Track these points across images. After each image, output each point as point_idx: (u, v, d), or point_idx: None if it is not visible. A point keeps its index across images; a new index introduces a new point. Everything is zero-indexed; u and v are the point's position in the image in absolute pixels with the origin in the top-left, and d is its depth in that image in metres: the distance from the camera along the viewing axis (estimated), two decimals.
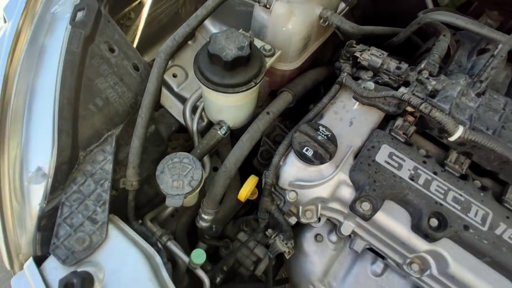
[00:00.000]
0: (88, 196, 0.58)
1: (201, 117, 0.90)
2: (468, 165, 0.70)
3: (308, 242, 0.86)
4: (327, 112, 0.78)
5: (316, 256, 0.85)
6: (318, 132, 0.69)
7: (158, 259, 0.59)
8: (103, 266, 0.54)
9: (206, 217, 0.75)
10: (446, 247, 0.67)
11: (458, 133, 0.56)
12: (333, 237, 0.85)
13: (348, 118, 0.76)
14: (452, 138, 0.58)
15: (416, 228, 0.67)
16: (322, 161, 0.68)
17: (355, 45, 0.79)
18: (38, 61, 0.55)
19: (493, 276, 0.65)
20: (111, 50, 0.61)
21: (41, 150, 0.56)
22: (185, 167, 0.64)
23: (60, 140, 0.55)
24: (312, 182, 0.70)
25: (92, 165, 0.60)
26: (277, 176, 0.73)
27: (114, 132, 0.63)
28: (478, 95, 0.61)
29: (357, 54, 0.78)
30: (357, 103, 0.77)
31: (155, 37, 0.84)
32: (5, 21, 0.54)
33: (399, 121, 0.73)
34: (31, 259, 0.54)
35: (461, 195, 0.67)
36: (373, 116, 0.76)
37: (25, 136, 0.55)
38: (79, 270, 0.52)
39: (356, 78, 0.81)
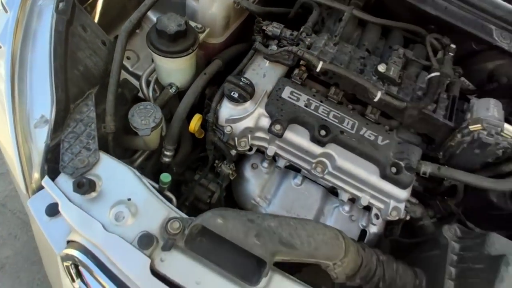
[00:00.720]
0: (81, 134, 0.82)
1: (154, 89, 1.16)
2: (342, 95, 1.06)
3: (247, 170, 1.17)
4: (247, 70, 1.09)
5: (253, 179, 1.16)
6: (241, 81, 0.99)
7: (138, 173, 0.84)
8: (100, 176, 0.78)
9: (167, 153, 1.01)
10: (332, 148, 1.01)
11: (319, 65, 0.91)
12: (265, 164, 1.16)
13: (262, 72, 1.08)
14: (317, 69, 0.92)
15: (312, 138, 1.00)
16: (245, 100, 0.98)
17: (262, 22, 1.11)
18: (33, 40, 0.77)
19: (361, 161, 1.00)
20: (85, 30, 0.84)
21: (43, 102, 0.78)
22: (148, 111, 0.90)
23: (57, 94, 0.78)
24: (240, 116, 1.00)
25: (80, 114, 0.84)
26: (216, 117, 1.03)
27: (93, 91, 0.87)
28: (335, 45, 0.97)
29: (264, 27, 1.10)
30: (268, 61, 1.10)
31: (108, 25, 1.09)
32: (6, 11, 0.75)
33: (296, 71, 1.07)
34: (46, 177, 0.77)
35: (338, 113, 1.02)
36: (279, 69, 1.09)
37: (29, 93, 0.78)
38: None
39: (267, 46, 1.13)
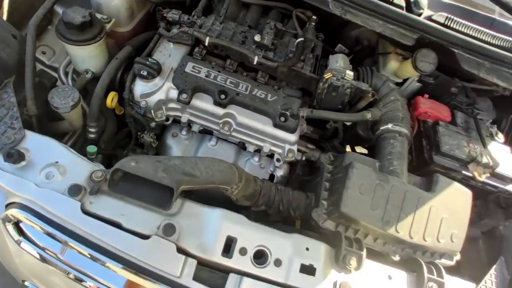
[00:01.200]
0: (4, 117, 0.94)
1: (73, 79, 1.29)
2: (236, 65, 1.29)
3: (168, 139, 1.35)
4: (155, 52, 1.27)
5: (175, 146, 1.35)
6: (147, 61, 1.17)
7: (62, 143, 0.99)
8: (28, 148, 0.92)
9: (91, 129, 1.17)
10: (232, 108, 1.23)
11: (207, 40, 1.13)
12: (184, 132, 1.36)
13: (168, 53, 1.27)
14: (206, 43, 1.14)
15: (215, 102, 1.22)
16: (153, 76, 1.17)
17: (162, 10, 1.29)
18: None
19: (256, 116, 1.24)
20: None
21: None
22: (66, 92, 1.05)
23: None
24: (152, 91, 1.19)
25: (1, 100, 0.96)
26: (132, 94, 1.20)
27: (10, 80, 1.00)
28: (221, 23, 1.19)
29: (165, 15, 1.29)
30: (172, 43, 1.29)
31: (18, 22, 1.19)
32: None
33: (196, 49, 1.28)
34: None
35: (233, 79, 1.25)
36: (182, 49, 1.28)
37: None
38: None
39: (170, 31, 1.32)
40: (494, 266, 1.14)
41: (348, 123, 1.42)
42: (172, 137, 1.36)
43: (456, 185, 1.11)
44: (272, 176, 1.38)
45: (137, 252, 0.83)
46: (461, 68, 1.19)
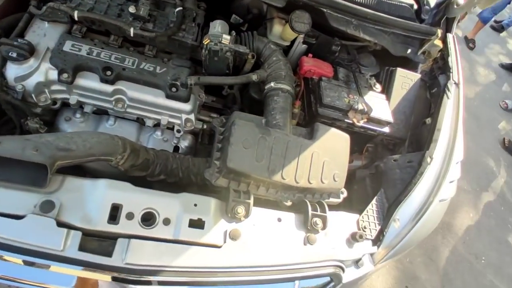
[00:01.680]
0: None
1: None
2: (121, 40, 1.27)
3: (62, 124, 1.30)
4: (28, 33, 1.20)
5: (70, 130, 1.31)
6: (16, 41, 1.10)
7: None
8: None
9: None
10: (121, 84, 1.22)
11: (75, 14, 1.10)
12: (78, 115, 1.31)
13: (42, 32, 1.20)
14: (75, 17, 1.11)
15: (101, 79, 1.20)
16: (25, 57, 1.11)
17: None
18: None
19: (147, 89, 1.25)
20: None
21: None
22: None
23: None
24: (27, 73, 1.13)
25: None
26: (5, 79, 1.13)
27: None
28: None
29: None
30: (47, 22, 1.22)
31: None
32: None
33: (75, 26, 1.23)
34: None
35: (118, 55, 1.23)
36: (60, 27, 1.22)
37: None
38: None
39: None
40: (376, 197, 1.30)
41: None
42: (65, 121, 1.31)
43: (334, 131, 1.24)
44: (177, 148, 1.41)
45: (12, 233, 0.81)
46: (331, 26, 1.30)
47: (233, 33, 1.31)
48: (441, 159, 1.32)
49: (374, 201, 1.29)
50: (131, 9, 1.14)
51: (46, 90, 1.20)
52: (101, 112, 1.33)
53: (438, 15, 1.55)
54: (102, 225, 0.88)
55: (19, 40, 1.11)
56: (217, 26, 1.20)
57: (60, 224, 0.85)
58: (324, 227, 1.11)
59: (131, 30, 1.13)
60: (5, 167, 0.86)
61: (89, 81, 1.20)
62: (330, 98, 1.35)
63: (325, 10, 1.28)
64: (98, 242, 0.88)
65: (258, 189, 1.13)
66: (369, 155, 1.70)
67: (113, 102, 1.26)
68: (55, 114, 1.31)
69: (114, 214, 0.91)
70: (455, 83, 1.48)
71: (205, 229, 0.96)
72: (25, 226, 0.82)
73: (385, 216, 1.26)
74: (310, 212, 1.10)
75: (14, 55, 1.09)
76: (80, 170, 1.17)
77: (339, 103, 1.36)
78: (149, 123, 1.34)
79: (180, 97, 1.26)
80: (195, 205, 0.99)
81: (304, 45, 1.49)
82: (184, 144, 1.41)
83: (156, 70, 1.26)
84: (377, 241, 1.22)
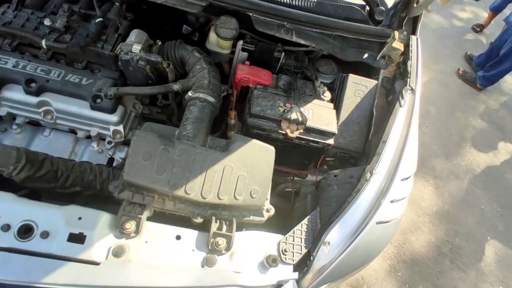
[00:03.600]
0: None
1: None
2: (51, 53, 1.29)
3: None
4: None
5: (6, 141, 1.34)
6: None
7: None
8: None
9: None
10: (46, 96, 1.24)
11: None
12: (14, 126, 1.35)
13: None
14: None
15: (25, 91, 1.22)
16: None
17: None
18: None
19: (72, 100, 1.25)
20: None
21: None
22: None
23: None
24: None
25: None
26: None
27: None
28: (13, 11, 1.20)
29: None
30: None
31: None
32: None
33: (6, 40, 1.27)
34: None
35: (45, 67, 1.25)
36: None
37: None
38: None
39: None
40: (308, 217, 1.18)
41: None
42: (1, 132, 1.35)
43: (255, 143, 1.14)
44: (111, 160, 1.39)
45: None
46: (256, 30, 1.22)
47: (158, 42, 1.28)
48: (384, 175, 1.17)
49: (305, 221, 1.16)
50: (46, 22, 1.16)
51: None
52: (35, 124, 1.36)
53: (395, 15, 1.41)
54: None
55: None
56: (132, 35, 1.18)
57: None
58: (228, 248, 1.01)
59: (43, 42, 1.15)
60: None
61: (14, 93, 1.23)
62: (260, 108, 1.26)
63: (251, 14, 1.21)
64: None
65: (165, 203, 1.07)
66: (328, 169, 1.56)
67: (42, 114, 1.27)
68: None
69: None
70: (411, 89, 1.32)
71: (85, 244, 0.91)
72: None
73: (315, 239, 1.13)
74: (212, 230, 1.01)
75: None
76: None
77: (270, 113, 1.26)
78: (80, 134, 1.34)
79: (103, 108, 1.25)
80: (80, 218, 0.95)
81: (245, 53, 1.42)
82: (119, 155, 1.39)
83: (81, 81, 1.26)
84: (302, 266, 1.09)
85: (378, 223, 1.11)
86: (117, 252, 0.93)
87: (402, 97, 1.29)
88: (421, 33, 1.54)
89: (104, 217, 0.97)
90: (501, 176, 3.45)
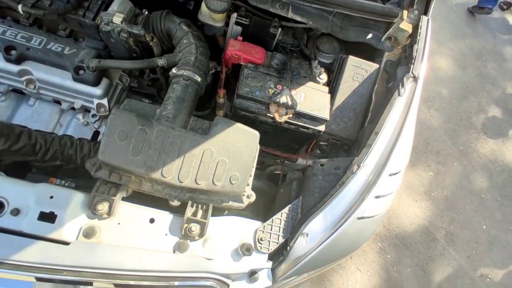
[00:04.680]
0: None
1: None
2: (33, 19, 1.22)
3: None
4: None
5: None
6: None
7: None
8: None
9: None
10: (27, 65, 1.19)
11: None
12: None
13: None
14: None
15: (5, 58, 1.17)
16: None
17: None
18: None
19: (54, 70, 1.20)
20: None
21: None
22: None
23: None
24: None
25: None
26: None
27: None
28: None
29: None
30: None
31: None
32: None
33: None
34: None
35: (26, 34, 1.19)
36: None
37: None
38: None
39: None
40: (290, 205, 1.15)
41: None
42: None
43: (239, 126, 1.09)
44: (97, 133, 1.36)
45: None
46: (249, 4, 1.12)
47: (145, 12, 1.19)
48: (372, 169, 1.11)
49: (285, 210, 1.14)
50: None
51: None
52: (20, 92, 1.32)
53: None
54: None
55: None
56: (115, 4, 1.10)
57: None
58: (201, 235, 0.99)
59: (19, 7, 1.08)
60: None
61: None
62: (249, 88, 1.19)
63: None
64: None
65: (142, 184, 1.05)
66: (321, 154, 1.51)
67: (24, 83, 1.23)
68: None
69: None
70: (413, 76, 1.22)
71: (56, 223, 0.91)
72: None
73: (294, 229, 1.10)
74: (187, 216, 0.99)
75: None
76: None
77: (259, 94, 1.19)
78: (64, 106, 1.31)
79: (86, 80, 1.20)
80: (51, 197, 0.93)
81: (239, 27, 1.32)
82: (104, 128, 1.36)
83: (64, 51, 1.20)
84: (278, 255, 1.08)
85: (359, 218, 1.07)
86: (88, 233, 0.92)
87: (402, 85, 1.20)
88: (442, 8, 1.40)
89: (77, 197, 0.96)
90: (507, 165, 3.35)
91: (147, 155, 0.99)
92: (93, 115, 1.31)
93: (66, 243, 0.90)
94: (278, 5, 1.13)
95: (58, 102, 1.34)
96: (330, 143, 1.44)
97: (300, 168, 1.46)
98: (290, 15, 1.15)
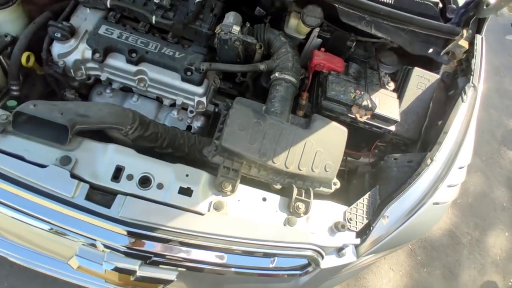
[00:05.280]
0: None
1: None
2: (148, 27, 1.43)
3: (94, 97, 1.51)
4: (73, 17, 1.40)
5: None
6: (60, 25, 1.31)
7: None
8: None
9: (13, 87, 1.32)
10: (144, 66, 1.38)
11: (108, 1, 1.27)
12: (108, 90, 1.51)
13: (84, 17, 1.41)
14: (108, 5, 1.28)
15: (127, 60, 1.37)
16: (67, 38, 1.31)
17: None
18: None
19: (166, 72, 1.39)
20: None
21: None
22: None
23: None
24: (68, 51, 1.33)
25: None
26: (51, 55, 1.35)
27: None
28: None
29: None
30: (88, 9, 1.42)
31: None
32: None
33: (111, 13, 1.41)
34: None
35: (144, 39, 1.39)
36: (98, 13, 1.42)
37: None
38: None
39: None
40: (369, 193, 1.33)
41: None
42: (97, 95, 1.51)
43: (332, 123, 1.28)
44: (189, 127, 1.55)
45: (36, 178, 1.01)
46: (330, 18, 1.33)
47: (247, 24, 1.40)
48: (443, 162, 1.30)
49: (366, 196, 1.32)
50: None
51: (82, 67, 1.40)
52: (127, 90, 1.51)
53: (465, 14, 1.49)
54: (106, 182, 1.05)
55: (63, 23, 1.32)
56: (230, 17, 1.30)
57: (73, 176, 1.03)
58: (306, 212, 1.17)
59: (153, 18, 1.28)
60: (37, 125, 1.05)
61: (116, 61, 1.38)
62: (335, 92, 1.39)
63: (337, 5, 1.31)
64: (101, 195, 1.05)
65: (250, 169, 1.23)
66: (379, 153, 1.70)
67: (136, 81, 1.43)
68: (89, 88, 1.53)
69: (117, 174, 1.07)
70: (473, 86, 1.42)
71: (192, 197, 1.09)
72: (47, 174, 1.01)
73: (375, 212, 1.28)
74: (294, 196, 1.17)
75: (58, 35, 1.30)
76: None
77: (343, 98, 1.39)
78: (166, 102, 1.50)
79: (193, 80, 1.39)
80: (187, 175, 1.11)
81: (319, 39, 1.53)
82: (196, 124, 1.55)
83: (175, 55, 1.40)
84: (362, 234, 1.25)
85: (435, 203, 1.25)
86: (218, 207, 1.10)
87: (465, 93, 1.40)
88: None
89: (205, 176, 1.14)
90: None
91: (261, 144, 1.18)
92: (191, 111, 1.50)
93: (202, 214, 1.08)
94: (364, 22, 1.34)
95: (158, 99, 1.54)
96: (390, 143, 1.63)
97: (364, 164, 1.65)
98: (373, 31, 1.36)
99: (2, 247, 1.37)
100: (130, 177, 1.07)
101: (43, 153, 1.05)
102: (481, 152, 3.53)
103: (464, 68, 1.53)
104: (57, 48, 1.34)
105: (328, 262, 1.22)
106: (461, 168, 1.31)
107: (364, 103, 1.37)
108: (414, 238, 1.35)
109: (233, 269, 1.17)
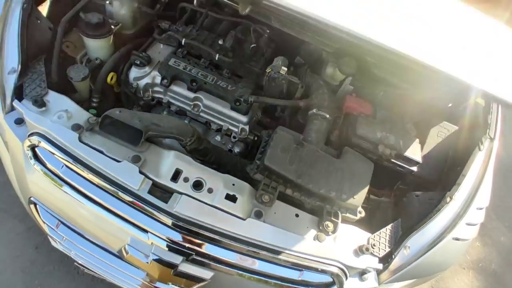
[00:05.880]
0: (36, 79, 1.38)
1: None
2: (208, 63, 1.71)
3: None
4: (149, 50, 1.71)
5: None
6: (141, 54, 1.61)
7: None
8: (48, 100, 1.34)
9: (94, 100, 1.59)
10: (201, 94, 1.64)
11: (183, 40, 1.56)
12: (165, 112, 1.76)
13: (158, 50, 1.71)
14: (183, 43, 1.57)
15: (188, 88, 1.63)
16: (143, 65, 1.60)
17: (157, 20, 1.75)
18: (8, 26, 1.34)
19: (218, 100, 1.64)
20: (38, 20, 1.43)
21: (13, 60, 1.34)
22: (80, 69, 1.48)
23: (22, 56, 1.34)
24: (142, 75, 1.61)
25: (35, 68, 1.40)
26: (127, 77, 1.63)
27: (43, 56, 1.44)
28: (197, 31, 1.64)
29: (159, 24, 1.74)
30: (162, 44, 1.73)
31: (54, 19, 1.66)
32: None
33: (179, 49, 1.71)
34: (15, 99, 1.31)
35: (204, 73, 1.65)
36: (169, 49, 1.72)
37: (6, 55, 1.34)
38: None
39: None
40: (392, 224, 1.44)
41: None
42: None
43: (361, 157, 1.45)
44: (230, 151, 1.75)
45: (111, 169, 1.20)
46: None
47: (291, 68, 1.66)
48: (462, 202, 1.41)
49: (389, 227, 1.43)
50: (220, 42, 1.58)
51: (150, 90, 1.67)
52: (181, 113, 1.76)
53: None
54: (166, 181, 1.23)
55: (143, 53, 1.62)
56: (279, 60, 1.57)
57: (141, 172, 1.22)
58: (334, 231, 1.29)
59: (216, 55, 1.56)
60: (117, 128, 1.28)
61: (179, 88, 1.65)
62: (364, 131, 1.57)
63: (369, 59, 1.56)
64: (161, 192, 1.22)
65: (286, 189, 1.38)
66: (400, 195, 1.82)
67: (192, 106, 1.68)
68: (150, 108, 1.78)
69: (176, 176, 1.25)
70: (490, 138, 1.58)
71: (237, 203, 1.24)
72: (120, 167, 1.21)
73: (397, 242, 1.38)
74: (325, 215, 1.30)
75: (138, 62, 1.59)
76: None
77: (371, 136, 1.57)
78: (214, 126, 1.73)
79: (241, 110, 1.62)
80: (233, 184, 1.28)
81: (351, 86, 1.76)
82: (237, 149, 1.75)
83: (228, 87, 1.66)
84: (385, 261, 1.35)
85: (454, 238, 1.35)
86: (257, 215, 1.25)
87: (482, 143, 1.55)
88: None
89: (248, 187, 1.31)
90: None
91: (298, 166, 1.35)
92: (233, 137, 1.71)
93: (243, 219, 1.22)
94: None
95: (207, 124, 1.77)
96: (411, 185, 1.76)
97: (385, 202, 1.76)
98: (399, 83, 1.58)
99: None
100: (186, 180, 1.25)
101: (119, 151, 1.25)
102: (504, 217, 3.51)
103: (481, 123, 1.70)
104: (134, 73, 1.63)
105: (351, 284, 1.30)
106: (479, 209, 1.41)
107: (391, 142, 1.54)
108: (434, 272, 1.41)
109: (262, 277, 1.27)
